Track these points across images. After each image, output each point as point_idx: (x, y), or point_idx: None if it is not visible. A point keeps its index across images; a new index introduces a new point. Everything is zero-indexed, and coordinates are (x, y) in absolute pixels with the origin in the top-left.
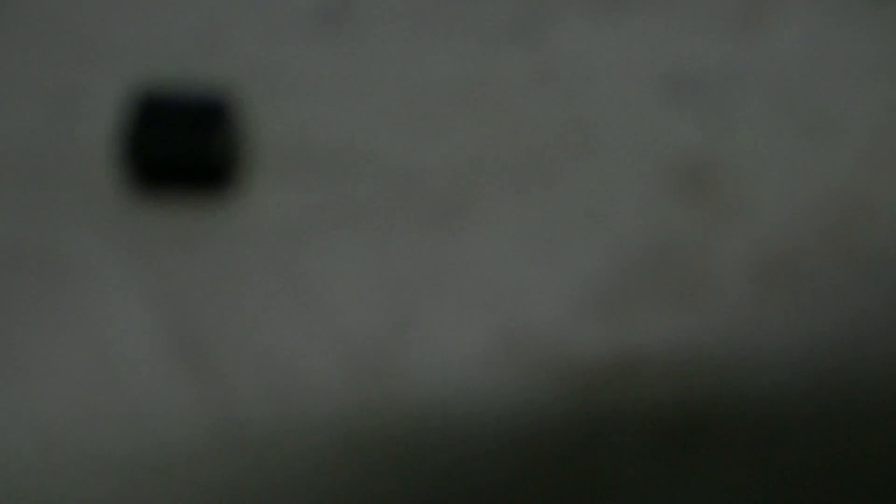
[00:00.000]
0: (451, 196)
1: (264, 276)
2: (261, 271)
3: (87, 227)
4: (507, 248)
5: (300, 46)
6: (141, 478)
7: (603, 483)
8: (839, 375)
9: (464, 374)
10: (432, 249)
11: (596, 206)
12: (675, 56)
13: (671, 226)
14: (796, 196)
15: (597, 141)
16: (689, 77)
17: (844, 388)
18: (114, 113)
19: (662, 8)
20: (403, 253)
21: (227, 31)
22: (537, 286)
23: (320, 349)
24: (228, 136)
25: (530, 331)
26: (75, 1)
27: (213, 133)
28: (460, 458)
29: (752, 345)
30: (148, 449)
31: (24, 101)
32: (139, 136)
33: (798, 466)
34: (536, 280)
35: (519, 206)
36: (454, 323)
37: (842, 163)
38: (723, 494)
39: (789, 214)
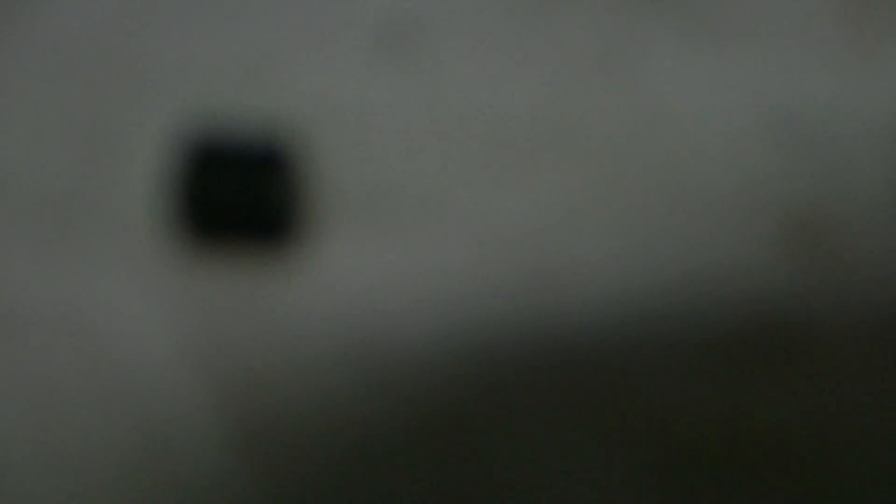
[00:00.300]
0: (543, 257)
1: (330, 348)
2: (327, 342)
3: (127, 282)
4: (606, 316)
5: (362, 77)
6: None
7: None
8: None
9: None
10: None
11: (696, 264)
12: (779, 93)
13: (775, 285)
14: None
15: (696, 189)
16: (795, 116)
17: None
18: (159, 153)
19: (764, 39)
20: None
21: (281, 58)
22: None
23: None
24: (289, 183)
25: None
26: (116, 26)
27: (272, 180)
28: None
29: (866, 422)
30: None
31: (55, 137)
32: (191, 183)
33: None
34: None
35: (617, 267)
36: None
37: None
38: None
39: None
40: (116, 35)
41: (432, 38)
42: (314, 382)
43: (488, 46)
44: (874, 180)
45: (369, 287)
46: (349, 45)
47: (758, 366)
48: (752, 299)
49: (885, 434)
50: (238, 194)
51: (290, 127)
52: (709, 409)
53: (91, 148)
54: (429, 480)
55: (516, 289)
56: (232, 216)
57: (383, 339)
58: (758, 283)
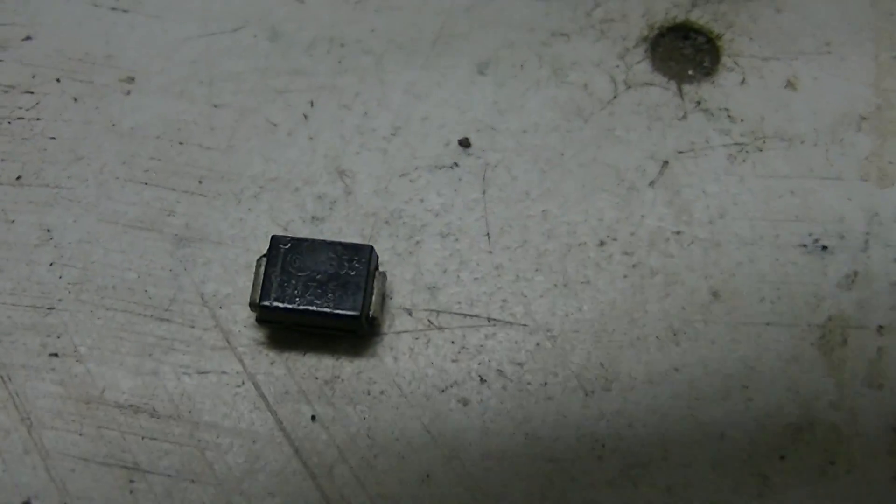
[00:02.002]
0: (596, 357)
1: (409, 430)
2: (406, 426)
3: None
4: (651, 413)
5: (436, 193)
6: None
7: None
8: None
9: None
10: (581, 412)
11: (740, 368)
12: (816, 210)
13: (813, 391)
14: None
15: (743, 295)
16: (832, 232)
17: None
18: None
19: (799, 158)
20: (555, 414)
21: (362, 175)
22: (685, 453)
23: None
24: (374, 300)
25: (683, 500)
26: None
27: (359, 304)
28: None
29: None
30: None
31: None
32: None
33: None
34: (684, 446)
35: (664, 369)
36: (600, 490)
37: None
38: None
39: None
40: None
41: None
42: None
43: (550, 164)
44: None
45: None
46: (426, 160)
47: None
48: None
49: None
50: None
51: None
52: None
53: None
54: None
55: (578, 385)
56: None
57: None
58: (803, 383)
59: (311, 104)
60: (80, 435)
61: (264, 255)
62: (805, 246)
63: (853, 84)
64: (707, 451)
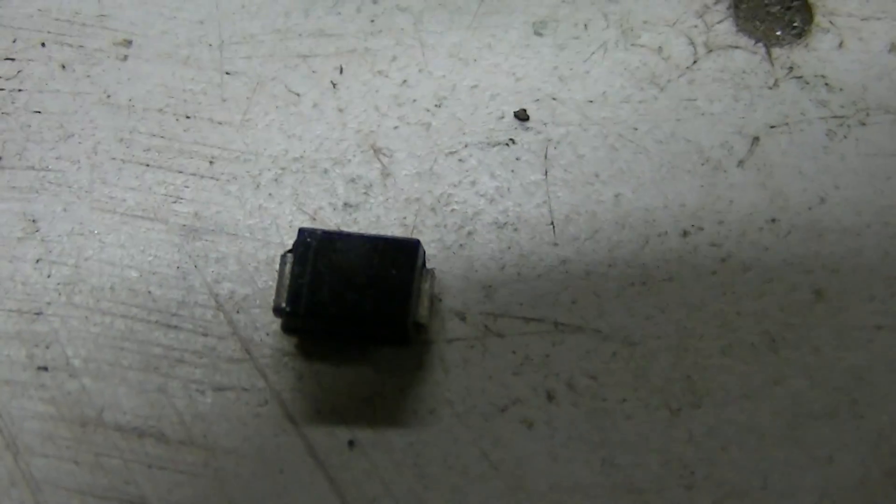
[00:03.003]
0: (681, 368)
1: (465, 457)
2: (461, 453)
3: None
4: (748, 433)
5: (490, 175)
6: None
7: None
8: None
9: None
10: (665, 433)
11: (848, 380)
12: None
13: None
14: None
15: (844, 299)
16: None
17: None
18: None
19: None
20: (635, 436)
21: (401, 153)
22: (787, 481)
23: None
24: (421, 303)
25: None
26: None
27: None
28: None
29: None
30: None
31: None
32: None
33: None
34: (786, 473)
35: (761, 383)
36: None
37: None
38: None
39: None
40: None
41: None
42: None
43: (621, 141)
44: None
45: None
46: (478, 136)
47: None
48: None
49: None
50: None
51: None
52: None
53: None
54: None
55: None
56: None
57: None
58: None
59: (340, 70)
60: (76, 463)
61: (290, 251)
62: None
63: None
64: (813, 478)
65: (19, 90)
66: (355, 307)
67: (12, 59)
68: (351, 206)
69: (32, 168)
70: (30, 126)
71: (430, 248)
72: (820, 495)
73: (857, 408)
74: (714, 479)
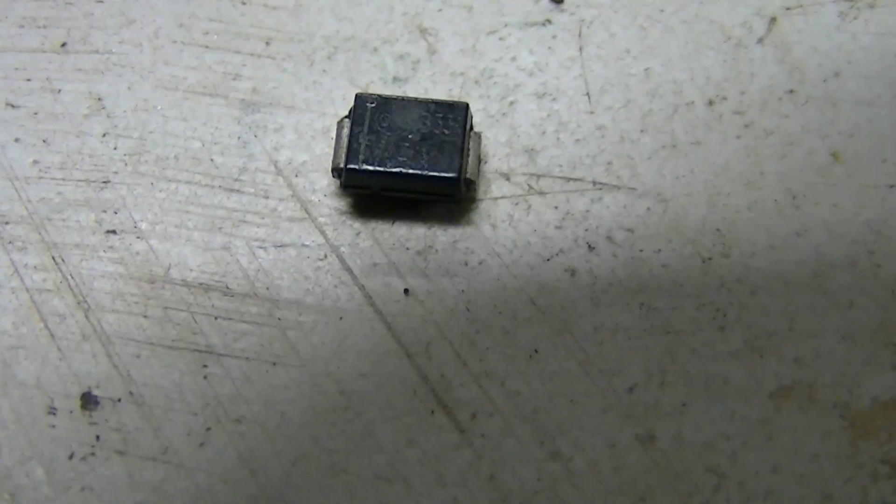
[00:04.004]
0: (711, 221)
1: (513, 302)
2: (509, 299)
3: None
4: (775, 280)
5: (528, 51)
6: None
7: None
8: None
9: (745, 421)
10: (699, 278)
11: (865, 233)
12: None
13: None
14: None
15: (859, 161)
16: None
17: None
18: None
19: None
20: (670, 282)
21: (446, 33)
22: (812, 323)
23: (583, 379)
24: (470, 162)
25: (812, 372)
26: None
27: (455, 158)
28: None
29: None
30: None
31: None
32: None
33: None
34: (811, 316)
35: (786, 234)
36: (723, 363)
37: None
38: None
39: None
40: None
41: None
42: None
43: (650, 20)
44: None
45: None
46: (516, 16)
47: None
48: None
49: None
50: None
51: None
52: None
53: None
54: None
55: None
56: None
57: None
58: None
59: None
60: (145, 317)
61: (346, 117)
62: None
63: None
64: (836, 321)
65: None
66: (410, 162)
67: None
68: (400, 79)
69: (97, 52)
70: (93, 14)
71: (475, 117)
72: (842, 336)
73: (874, 258)
74: (744, 322)
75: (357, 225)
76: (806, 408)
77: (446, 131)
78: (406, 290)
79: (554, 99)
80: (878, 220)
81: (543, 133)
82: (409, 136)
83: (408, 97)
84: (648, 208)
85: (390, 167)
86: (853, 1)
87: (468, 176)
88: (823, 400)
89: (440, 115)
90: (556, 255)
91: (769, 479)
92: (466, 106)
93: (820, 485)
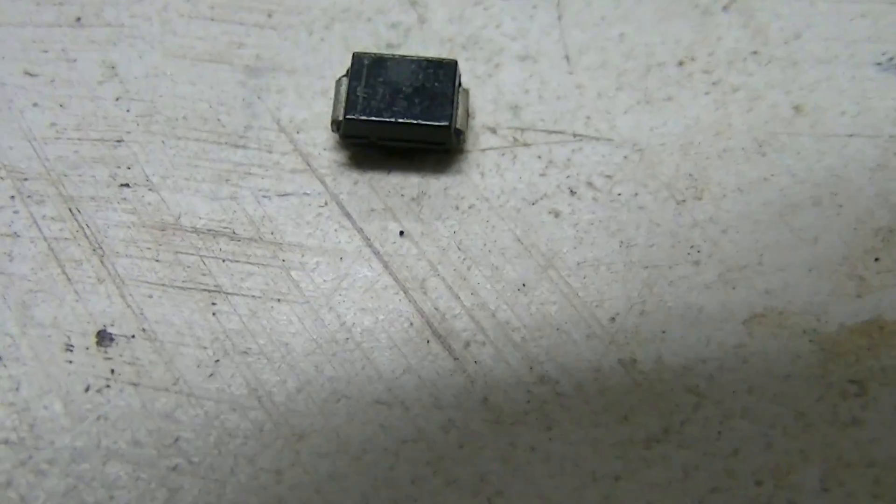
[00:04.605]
0: (685, 168)
1: (501, 242)
2: (498, 239)
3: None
4: (744, 219)
5: (511, 18)
6: None
7: None
8: None
9: (721, 346)
10: (674, 219)
11: (827, 177)
12: (890, 31)
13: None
14: None
15: (813, 108)
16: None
17: None
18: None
19: None
20: (647, 222)
21: (435, 3)
22: (780, 258)
23: (568, 309)
24: (459, 114)
25: (782, 301)
26: None
27: (446, 108)
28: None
29: None
30: None
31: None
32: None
33: None
34: (778, 251)
35: (753, 178)
36: (699, 294)
37: None
38: None
39: None
40: None
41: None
42: None
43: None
44: None
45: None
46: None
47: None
48: (881, 200)
49: None
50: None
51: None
52: None
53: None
54: None
55: (662, 191)
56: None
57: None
58: (891, 189)
59: None
60: (157, 261)
61: (344, 76)
62: (880, 64)
63: None
64: (802, 256)
65: None
66: (405, 112)
67: None
68: (392, 46)
69: (109, 25)
70: None
71: (464, 78)
72: (809, 269)
73: (836, 199)
74: (717, 257)
75: (355, 175)
76: (777, 333)
77: (437, 84)
78: (401, 233)
79: (535, 61)
80: (839, 165)
81: (527, 91)
82: (403, 90)
83: (401, 56)
84: (625, 157)
85: (386, 117)
86: None
87: (458, 126)
88: (794, 326)
89: (431, 70)
90: (541, 199)
91: (745, 399)
92: (455, 62)
93: (793, 403)
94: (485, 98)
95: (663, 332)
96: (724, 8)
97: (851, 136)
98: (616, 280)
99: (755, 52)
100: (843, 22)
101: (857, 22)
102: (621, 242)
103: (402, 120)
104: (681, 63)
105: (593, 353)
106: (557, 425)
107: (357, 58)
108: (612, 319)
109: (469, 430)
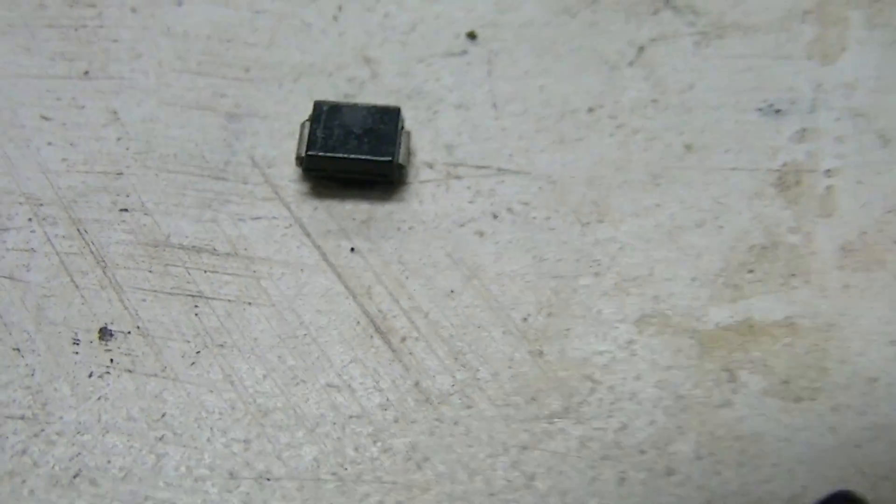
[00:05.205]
0: (590, 196)
1: (434, 257)
2: (432, 254)
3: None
4: (638, 240)
5: (450, 72)
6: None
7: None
8: None
9: (615, 342)
10: (576, 241)
11: (710, 204)
12: (770, 82)
13: (773, 218)
14: (874, 194)
15: (708, 151)
16: (784, 99)
17: None
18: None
19: (754, 43)
20: (550, 244)
21: (387, 56)
22: (670, 271)
23: (488, 311)
24: (401, 149)
25: (668, 305)
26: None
27: (388, 147)
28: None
29: (842, 317)
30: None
31: (200, 115)
32: (322, 148)
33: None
34: (669, 266)
35: (647, 206)
36: (600, 306)
37: None
38: (832, 437)
39: (870, 209)
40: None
41: (495, 40)
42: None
43: (544, 51)
44: (842, 143)
45: (456, 216)
46: (438, 50)
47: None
48: (757, 226)
49: (855, 324)
50: (362, 164)
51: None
52: None
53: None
54: None
55: (571, 215)
56: (357, 176)
57: (467, 248)
58: (761, 215)
59: (340, 8)
60: (150, 272)
61: (307, 120)
62: (762, 110)
63: None
64: (687, 269)
65: (100, 27)
66: (356, 149)
67: (93, 6)
68: (350, 95)
69: (112, 77)
70: (109, 50)
71: (407, 123)
72: (692, 279)
73: (717, 222)
74: (615, 270)
75: (315, 202)
76: (662, 331)
77: (383, 127)
78: (352, 249)
79: (468, 109)
80: (722, 194)
81: (460, 134)
82: (355, 131)
83: (354, 103)
84: (540, 187)
85: (340, 153)
86: (706, 33)
87: (400, 161)
88: (677, 326)
89: (379, 115)
90: (468, 222)
91: (633, 384)
92: (399, 109)
93: (674, 388)
94: (425, 139)
95: (567, 329)
96: (630, 63)
97: (734, 169)
98: (529, 288)
99: (654, 100)
100: (732, 74)
101: (743, 74)
102: (534, 257)
103: (353, 156)
104: (591, 110)
105: (508, 346)
106: (476, 404)
107: (317, 105)
108: (525, 319)
109: (403, 408)
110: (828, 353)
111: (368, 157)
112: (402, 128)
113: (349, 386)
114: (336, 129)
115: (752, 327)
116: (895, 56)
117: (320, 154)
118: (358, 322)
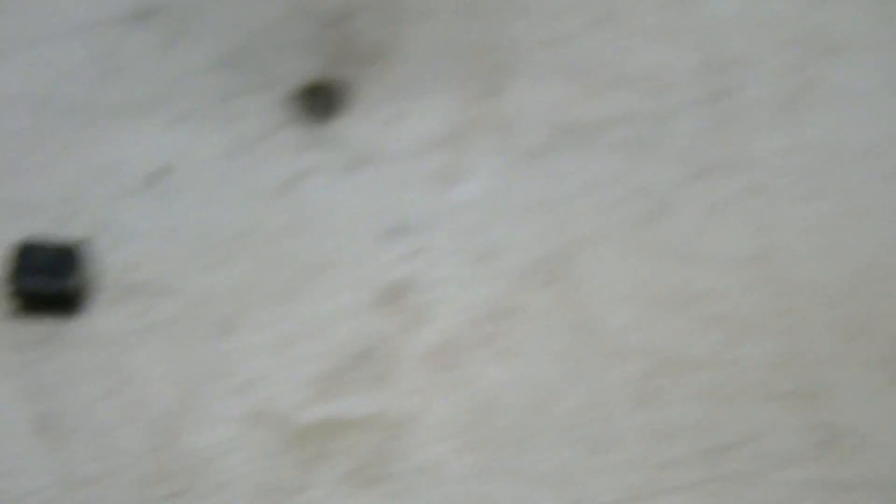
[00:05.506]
0: (228, 311)
1: (99, 370)
2: (97, 367)
3: None
4: (262, 348)
5: (133, 205)
6: None
7: None
8: None
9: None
10: (212, 350)
11: (325, 316)
12: (393, 205)
13: (375, 328)
14: (463, 296)
15: (332, 270)
16: (401, 221)
17: None
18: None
19: (386, 168)
20: (193, 353)
21: (81, 195)
22: (280, 375)
23: (133, 422)
24: (82, 277)
25: (273, 407)
26: None
27: (71, 276)
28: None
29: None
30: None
31: None
32: (16, 278)
33: None
34: (280, 371)
35: (274, 318)
36: (222, 404)
37: (502, 282)
38: None
39: (457, 316)
40: None
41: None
42: None
43: (212, 180)
44: (448, 260)
45: (123, 334)
46: (126, 184)
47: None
48: (361, 335)
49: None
50: (46, 286)
51: (85, 239)
52: None
53: None
54: None
55: (212, 328)
56: (43, 299)
57: (128, 363)
58: (366, 325)
59: None
60: None
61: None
62: (380, 233)
63: None
64: (297, 373)
65: None
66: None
67: None
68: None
69: None
70: None
71: (91, 250)
72: (299, 381)
73: (328, 333)
74: (241, 374)
75: None
76: (262, 426)
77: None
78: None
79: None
80: (335, 309)
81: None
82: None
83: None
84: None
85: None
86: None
87: (80, 286)
88: (276, 420)
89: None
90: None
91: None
92: (80, 243)
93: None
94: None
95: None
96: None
97: (349, 286)
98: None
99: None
100: (362, 200)
101: (371, 199)
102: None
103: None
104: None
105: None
106: None
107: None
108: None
109: None
110: (400, 444)
111: (54, 294)
112: (86, 261)
113: None
114: (28, 266)
115: (341, 421)
116: (507, 180)
117: (12, 290)
118: None
